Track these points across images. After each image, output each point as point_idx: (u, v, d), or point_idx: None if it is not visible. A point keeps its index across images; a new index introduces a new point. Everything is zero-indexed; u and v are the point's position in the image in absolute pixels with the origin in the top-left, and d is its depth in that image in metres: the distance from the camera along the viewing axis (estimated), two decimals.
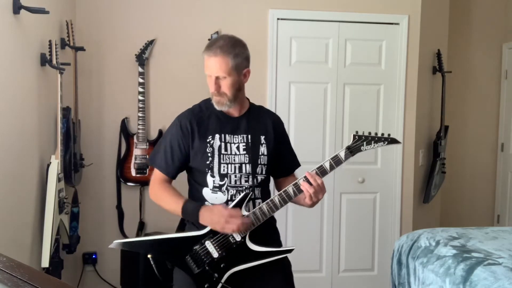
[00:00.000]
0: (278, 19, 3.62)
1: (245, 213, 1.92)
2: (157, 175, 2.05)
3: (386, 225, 3.85)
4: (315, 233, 3.78)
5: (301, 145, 3.85)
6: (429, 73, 4.02)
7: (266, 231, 2.01)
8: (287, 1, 3.65)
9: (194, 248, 1.91)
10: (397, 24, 3.73)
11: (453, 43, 4.43)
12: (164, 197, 2.01)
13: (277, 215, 2.06)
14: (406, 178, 3.83)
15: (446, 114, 4.12)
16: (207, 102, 2.07)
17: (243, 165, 1.99)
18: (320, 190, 1.91)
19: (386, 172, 3.82)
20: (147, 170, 3.49)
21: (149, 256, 1.89)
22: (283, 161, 2.14)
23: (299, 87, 3.70)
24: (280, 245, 2.12)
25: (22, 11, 2.31)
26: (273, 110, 3.58)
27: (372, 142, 1.95)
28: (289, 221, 3.70)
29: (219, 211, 1.88)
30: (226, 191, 1.97)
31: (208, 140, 1.99)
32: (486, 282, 2.06)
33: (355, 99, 3.74)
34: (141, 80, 3.47)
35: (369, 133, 1.96)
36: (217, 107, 1.99)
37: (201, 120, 2.02)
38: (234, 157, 1.99)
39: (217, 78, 1.94)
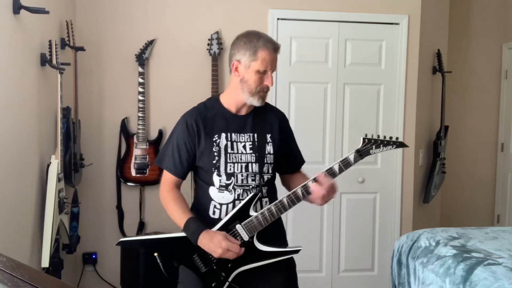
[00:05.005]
0: (278, 19, 3.62)
1: (253, 213, 1.92)
2: (167, 177, 2.04)
3: (386, 225, 3.85)
4: (315, 233, 3.77)
5: (301, 145, 3.84)
6: (429, 73, 4.02)
7: (273, 231, 2.01)
8: (287, 1, 3.65)
9: None
10: (397, 24, 3.73)
11: (453, 43, 4.43)
12: (170, 207, 1.99)
13: None
14: (406, 178, 3.83)
15: (446, 114, 4.13)
16: (212, 101, 2.07)
17: (250, 164, 1.99)
18: (332, 191, 1.93)
19: (386, 172, 3.82)
20: (147, 170, 3.49)
21: (155, 254, 1.89)
22: (289, 158, 2.14)
23: (299, 87, 3.70)
24: (286, 244, 2.13)
25: (22, 11, 2.31)
26: None
27: (381, 145, 1.95)
28: (289, 221, 3.70)
29: (218, 242, 1.84)
30: (232, 190, 1.97)
31: (214, 139, 1.98)
32: (486, 282, 2.06)
33: (355, 99, 3.74)
34: (141, 80, 3.47)
35: (378, 136, 1.97)
36: (259, 103, 1.98)
37: (206, 119, 2.00)
38: (240, 156, 1.98)
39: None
